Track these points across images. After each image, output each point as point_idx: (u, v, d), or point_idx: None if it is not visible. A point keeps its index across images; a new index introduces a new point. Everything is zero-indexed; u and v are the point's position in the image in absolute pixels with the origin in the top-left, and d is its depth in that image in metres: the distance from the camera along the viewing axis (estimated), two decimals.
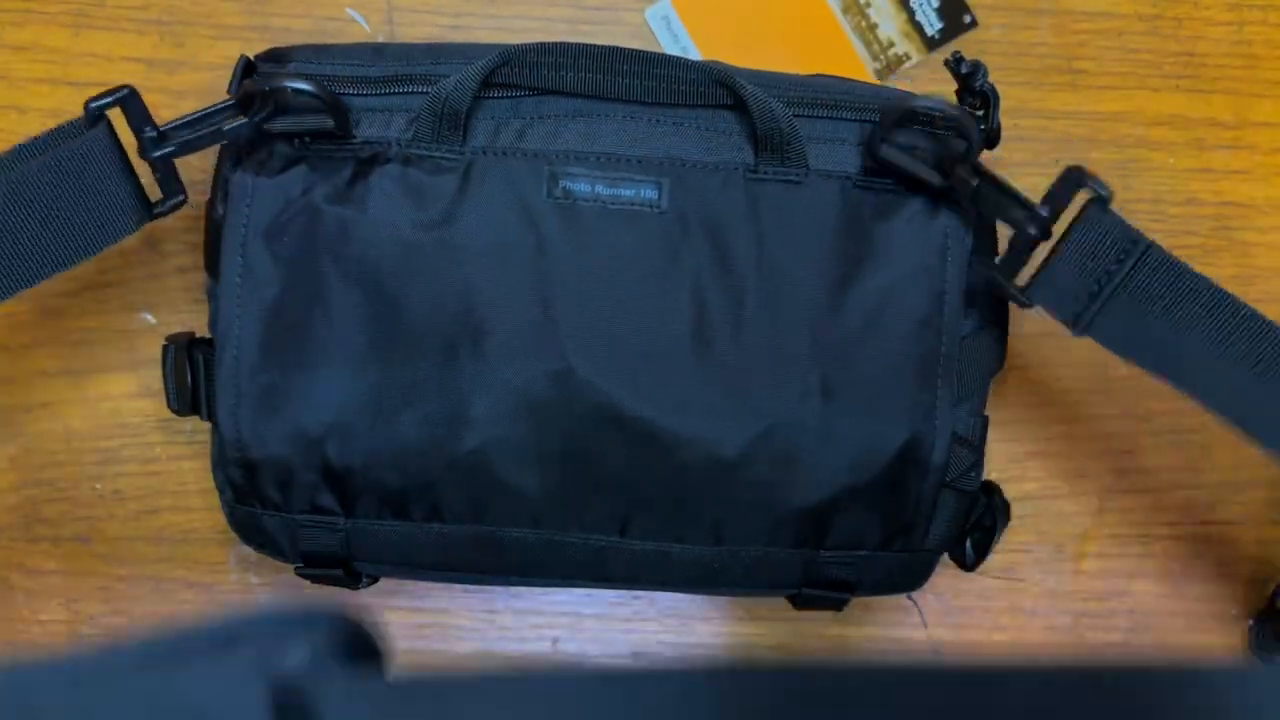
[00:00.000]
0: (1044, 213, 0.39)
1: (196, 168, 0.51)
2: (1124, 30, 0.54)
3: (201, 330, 0.47)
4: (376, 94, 0.41)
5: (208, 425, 0.49)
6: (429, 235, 0.40)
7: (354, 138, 0.41)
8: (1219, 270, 0.54)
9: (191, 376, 0.43)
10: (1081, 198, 0.40)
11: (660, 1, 0.53)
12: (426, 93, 0.41)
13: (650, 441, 0.40)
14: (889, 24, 0.54)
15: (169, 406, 0.44)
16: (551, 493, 0.41)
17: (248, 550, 0.51)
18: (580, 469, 0.41)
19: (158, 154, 0.40)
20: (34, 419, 0.51)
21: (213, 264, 0.42)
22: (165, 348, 0.44)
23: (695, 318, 0.40)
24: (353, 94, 0.41)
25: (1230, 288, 0.54)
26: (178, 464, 0.52)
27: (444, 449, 0.40)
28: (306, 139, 0.41)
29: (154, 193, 0.43)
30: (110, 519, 0.52)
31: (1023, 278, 0.41)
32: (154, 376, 0.51)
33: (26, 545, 0.51)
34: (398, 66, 0.41)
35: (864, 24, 0.54)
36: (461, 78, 0.40)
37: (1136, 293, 0.40)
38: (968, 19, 0.54)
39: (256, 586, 0.52)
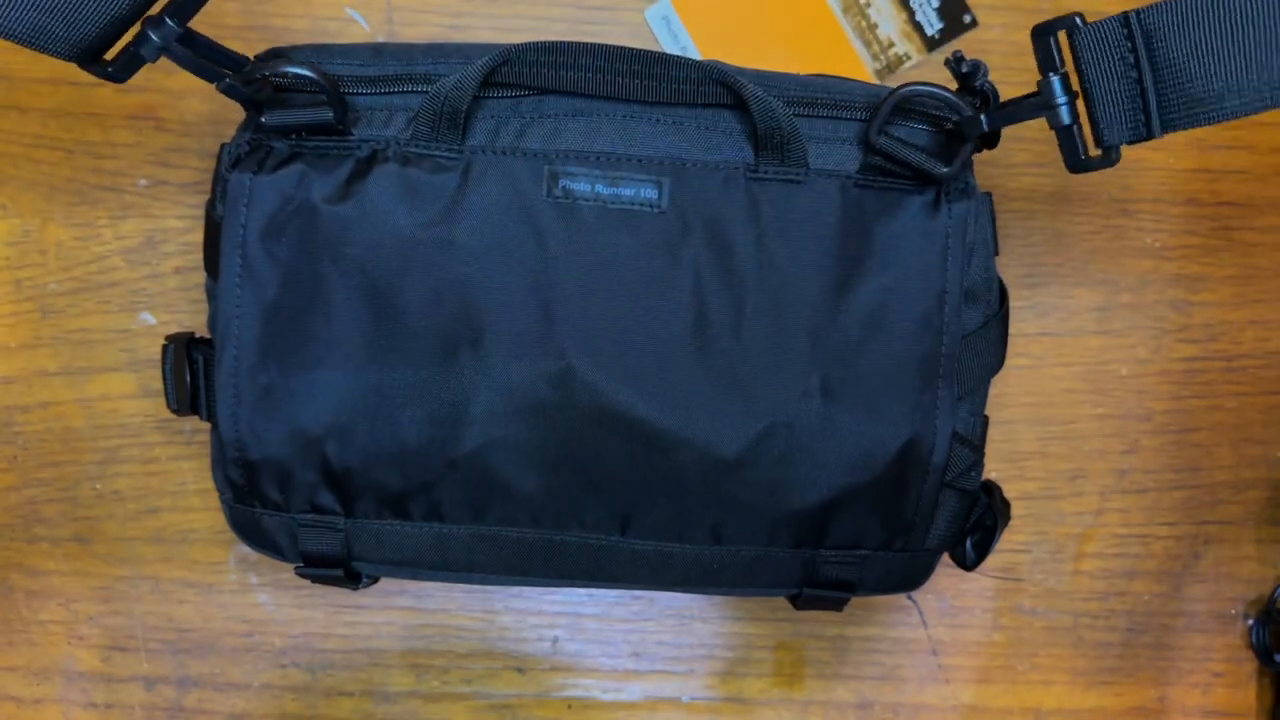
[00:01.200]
0: (1056, 78, 0.39)
1: (196, 168, 0.51)
2: None
3: (201, 330, 0.47)
4: (376, 93, 0.41)
5: (207, 425, 0.49)
6: (428, 234, 0.40)
7: (352, 134, 0.41)
8: (1219, 270, 0.54)
9: (191, 376, 0.43)
10: (1063, 40, 0.40)
11: (660, 1, 0.53)
12: (426, 92, 0.41)
13: (650, 441, 0.40)
14: (889, 24, 0.54)
15: (168, 406, 0.44)
16: (551, 492, 0.41)
17: (247, 550, 0.51)
18: (580, 469, 0.41)
19: (158, 43, 0.39)
20: (33, 419, 0.51)
21: (212, 264, 0.42)
22: (165, 348, 0.44)
23: (695, 318, 0.40)
24: (352, 93, 0.41)
25: (1230, 287, 0.54)
26: (177, 464, 0.52)
27: (444, 449, 0.40)
28: (304, 134, 0.41)
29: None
30: (109, 519, 0.52)
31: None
32: (153, 377, 0.51)
33: (26, 545, 0.51)
34: (397, 66, 0.41)
35: (864, 24, 0.54)
36: (461, 76, 0.40)
37: (1166, 52, 0.39)
38: (968, 19, 0.54)
39: (256, 586, 0.52)
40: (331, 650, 0.52)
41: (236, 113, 0.54)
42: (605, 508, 0.42)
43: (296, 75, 0.39)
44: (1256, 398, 0.54)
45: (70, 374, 0.51)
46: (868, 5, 0.54)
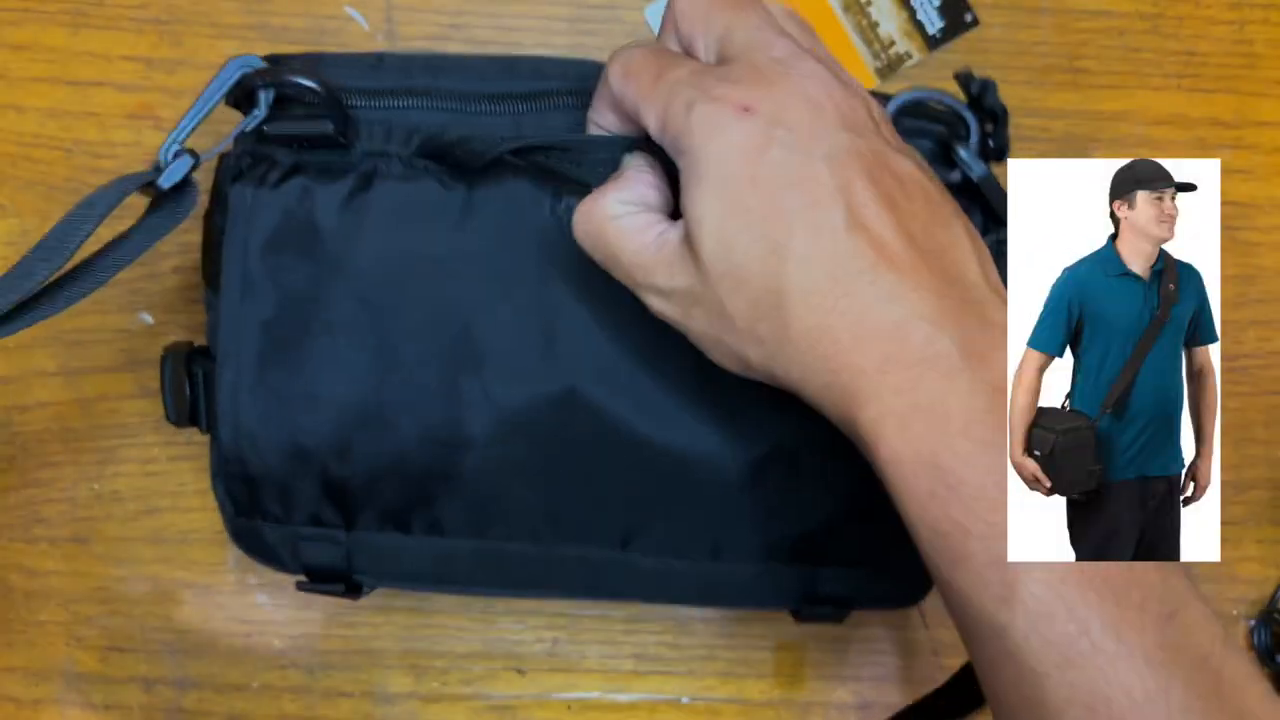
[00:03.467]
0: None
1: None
2: (1125, 29, 0.54)
3: (199, 332, 0.47)
4: (375, 106, 0.40)
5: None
6: (431, 253, 0.39)
7: (353, 146, 0.40)
8: (1220, 270, 0.54)
9: (190, 389, 0.43)
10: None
11: (660, 0, 0.53)
12: (425, 107, 0.40)
13: (653, 462, 0.40)
14: (889, 22, 0.54)
15: (168, 418, 0.43)
16: (552, 510, 0.41)
17: None
18: (581, 489, 0.40)
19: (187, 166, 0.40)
20: (32, 419, 0.51)
21: (211, 276, 0.42)
22: (163, 359, 0.44)
23: None
24: (352, 105, 0.40)
25: (1232, 287, 0.54)
26: (176, 464, 0.51)
27: (444, 466, 0.40)
28: (305, 145, 0.40)
29: None
30: (108, 520, 0.51)
31: None
32: (151, 376, 0.51)
33: (25, 546, 0.51)
34: (397, 79, 0.41)
35: (865, 22, 0.54)
36: (472, 152, 0.39)
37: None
38: (969, 18, 0.54)
39: (255, 587, 0.52)
40: (331, 651, 0.52)
41: (236, 114, 0.53)
42: (606, 525, 0.42)
43: (298, 85, 0.39)
44: (1258, 398, 0.54)
45: (68, 374, 0.51)
46: (868, 4, 0.54)
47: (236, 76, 0.40)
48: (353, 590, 0.44)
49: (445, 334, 0.39)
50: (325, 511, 0.42)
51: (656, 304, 0.35)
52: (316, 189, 0.40)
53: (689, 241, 0.33)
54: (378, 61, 0.41)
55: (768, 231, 0.32)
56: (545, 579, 0.43)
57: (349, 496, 0.41)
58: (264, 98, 0.40)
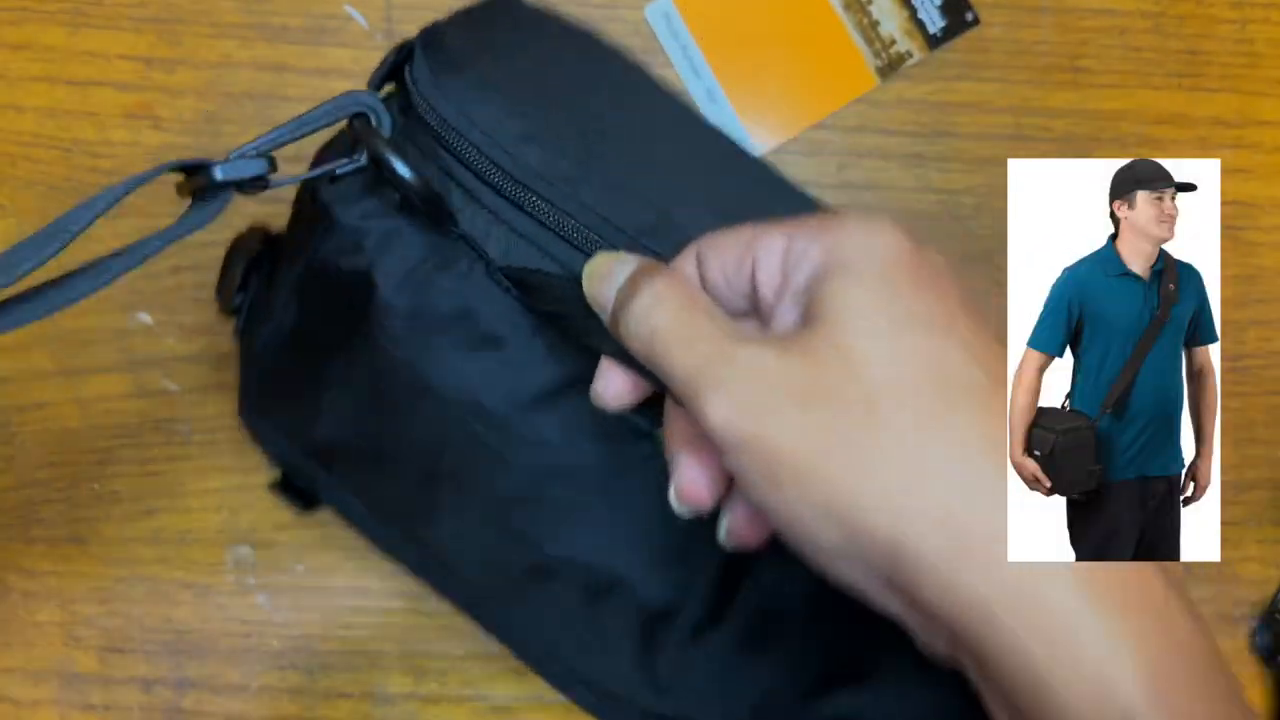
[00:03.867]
0: None
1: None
2: (1126, 28, 0.54)
3: (199, 337, 0.47)
4: (494, 191, 0.36)
5: (205, 426, 0.49)
6: (468, 367, 0.37)
7: (455, 227, 0.36)
8: (1223, 269, 0.54)
9: (242, 292, 0.41)
10: None
11: (659, 0, 0.53)
12: (540, 223, 0.36)
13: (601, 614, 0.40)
14: (890, 21, 0.54)
15: (216, 294, 0.42)
16: (492, 620, 0.43)
17: (245, 551, 0.51)
18: (522, 610, 0.41)
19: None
20: (30, 419, 0.51)
21: (283, 244, 0.41)
22: (231, 251, 0.42)
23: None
24: (475, 174, 0.36)
25: (1233, 287, 0.54)
26: (174, 465, 0.51)
27: (413, 528, 0.41)
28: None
29: None
30: (107, 520, 0.51)
31: None
32: (150, 377, 0.51)
33: (23, 546, 0.51)
34: (540, 169, 0.36)
35: (865, 21, 0.54)
36: (558, 322, 0.35)
37: None
38: (970, 17, 0.54)
39: (254, 587, 0.52)
40: (330, 652, 0.52)
41: (235, 114, 0.53)
42: (536, 643, 0.43)
43: (401, 180, 0.35)
44: (1259, 398, 0.54)
45: (66, 374, 0.51)
46: (869, 2, 0.54)
47: (346, 114, 0.36)
48: (311, 505, 0.46)
49: (446, 455, 0.38)
50: (310, 461, 0.43)
51: (736, 392, 0.27)
52: (395, 240, 0.36)
53: (818, 325, 0.28)
54: (528, 136, 0.36)
55: (938, 313, 0.28)
56: (473, 612, 0.45)
57: (333, 461, 0.42)
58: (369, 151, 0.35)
